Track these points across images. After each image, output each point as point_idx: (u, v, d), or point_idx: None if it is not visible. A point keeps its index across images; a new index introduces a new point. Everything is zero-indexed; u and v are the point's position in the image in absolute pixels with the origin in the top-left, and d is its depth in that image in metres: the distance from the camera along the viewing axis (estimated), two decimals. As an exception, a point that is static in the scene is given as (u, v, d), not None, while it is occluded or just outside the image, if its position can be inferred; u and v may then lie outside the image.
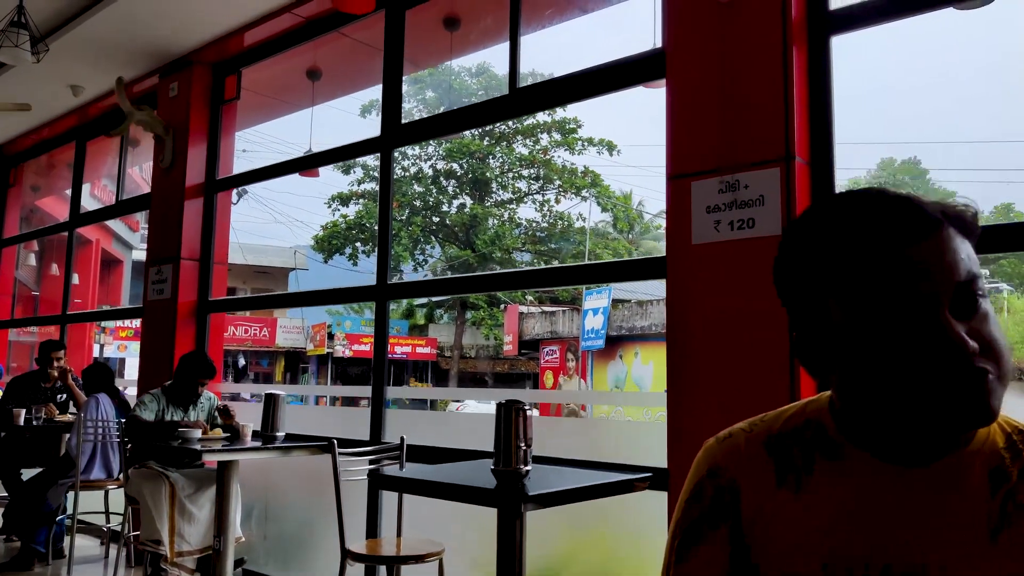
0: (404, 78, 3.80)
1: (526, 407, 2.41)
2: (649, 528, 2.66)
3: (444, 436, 3.50)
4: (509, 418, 2.38)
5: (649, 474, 2.54)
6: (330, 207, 22.73)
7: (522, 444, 2.36)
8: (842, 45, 2.42)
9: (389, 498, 3.47)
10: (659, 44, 2.70)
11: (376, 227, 3.90)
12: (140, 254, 12.47)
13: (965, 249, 0.79)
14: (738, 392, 2.31)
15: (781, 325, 2.21)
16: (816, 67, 2.35)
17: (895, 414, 0.78)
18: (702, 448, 0.95)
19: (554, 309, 19.66)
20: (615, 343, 17.10)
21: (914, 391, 0.75)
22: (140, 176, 8.16)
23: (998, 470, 0.82)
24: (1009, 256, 21.03)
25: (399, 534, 3.15)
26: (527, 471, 2.37)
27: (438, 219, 23.77)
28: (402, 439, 3.24)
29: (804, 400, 0.93)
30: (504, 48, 3.40)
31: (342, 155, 4.20)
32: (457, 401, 21.31)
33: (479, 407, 15.08)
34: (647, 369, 16.43)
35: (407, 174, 23.58)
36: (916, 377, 0.75)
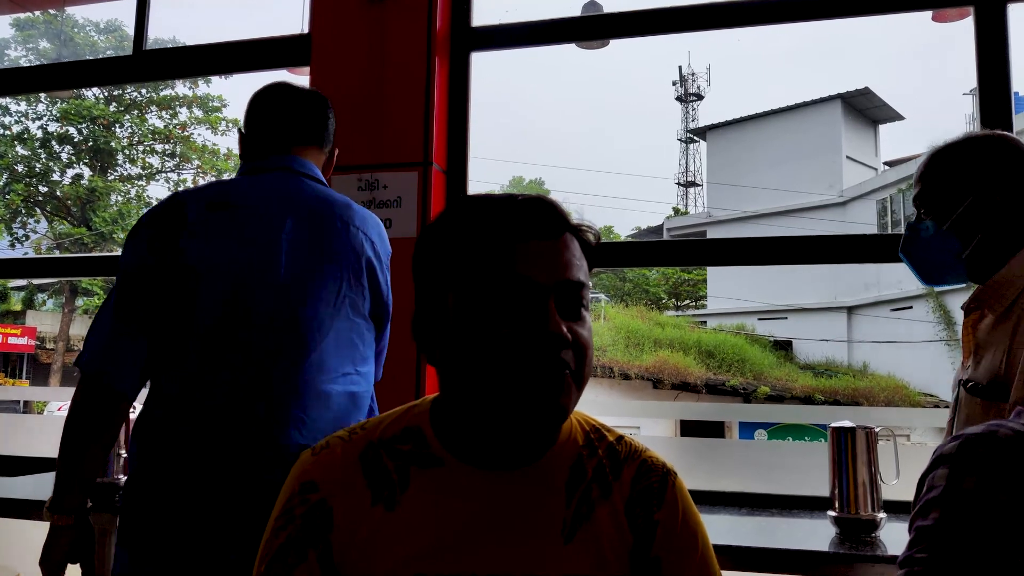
0: (7, 19, 3.11)
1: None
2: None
3: (32, 444, 2.95)
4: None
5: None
6: None
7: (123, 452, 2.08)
8: (481, 61, 2.56)
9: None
10: (307, 29, 2.60)
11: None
12: None
13: (581, 259, 0.84)
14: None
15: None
16: (457, 79, 2.46)
17: (485, 397, 0.78)
18: (298, 459, 0.87)
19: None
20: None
21: (502, 372, 0.76)
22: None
23: (576, 468, 0.86)
24: (607, 271, 24.78)
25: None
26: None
27: (46, 189, 20.37)
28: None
29: (408, 404, 0.91)
30: (131, 4, 2.98)
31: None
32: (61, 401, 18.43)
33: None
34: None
35: (8, 133, 19.81)
36: (508, 357, 0.76)
